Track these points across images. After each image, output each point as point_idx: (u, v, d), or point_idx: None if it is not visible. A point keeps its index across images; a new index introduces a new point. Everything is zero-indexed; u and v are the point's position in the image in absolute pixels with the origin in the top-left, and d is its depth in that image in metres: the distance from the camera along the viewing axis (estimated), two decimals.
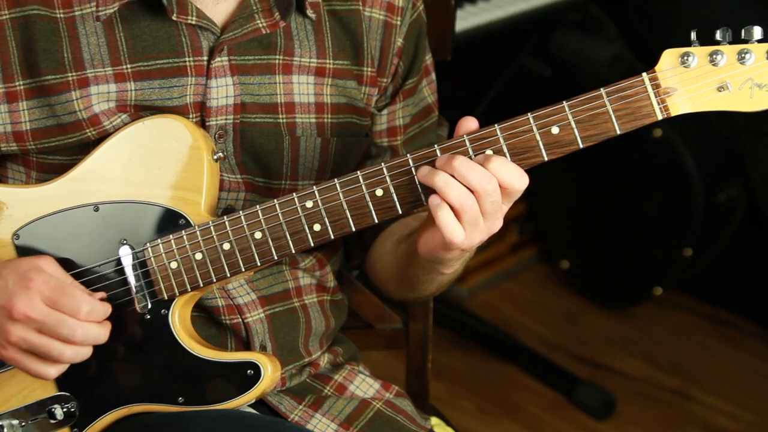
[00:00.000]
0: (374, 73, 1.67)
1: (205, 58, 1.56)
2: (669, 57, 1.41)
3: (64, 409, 1.56)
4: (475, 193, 1.41)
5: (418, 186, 1.47)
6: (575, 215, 3.61)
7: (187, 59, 1.56)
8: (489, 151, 1.44)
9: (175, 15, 1.54)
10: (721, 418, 3.14)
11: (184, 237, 1.52)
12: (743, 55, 1.38)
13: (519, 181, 1.42)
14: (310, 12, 1.61)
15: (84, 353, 1.49)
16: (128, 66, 1.55)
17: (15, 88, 1.55)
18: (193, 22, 1.55)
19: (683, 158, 3.27)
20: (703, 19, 3.23)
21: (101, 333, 1.49)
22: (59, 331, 1.46)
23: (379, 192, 1.47)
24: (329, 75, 1.63)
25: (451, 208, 1.42)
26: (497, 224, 1.45)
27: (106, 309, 1.50)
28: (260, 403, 1.65)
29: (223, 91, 1.57)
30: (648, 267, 3.50)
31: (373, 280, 1.79)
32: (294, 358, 1.68)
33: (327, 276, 1.75)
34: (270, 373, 1.53)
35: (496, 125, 1.44)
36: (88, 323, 1.47)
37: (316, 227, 1.49)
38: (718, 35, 1.40)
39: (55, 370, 1.50)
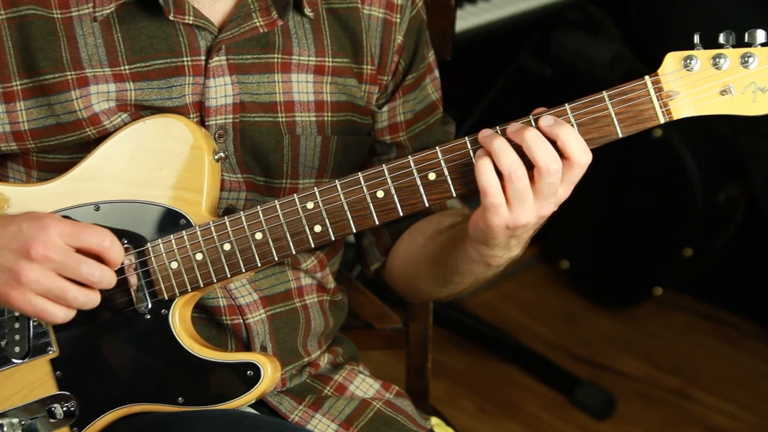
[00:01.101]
0: (374, 71, 1.67)
1: (203, 57, 1.56)
2: (672, 60, 1.41)
3: (64, 408, 1.56)
4: (537, 170, 1.39)
5: (420, 187, 1.46)
6: (575, 215, 3.60)
7: (184, 59, 1.56)
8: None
9: (172, 15, 1.54)
10: (721, 418, 3.14)
11: (185, 237, 1.52)
12: (746, 59, 1.38)
13: (583, 154, 1.40)
14: (307, 10, 1.61)
15: (95, 300, 1.49)
16: (126, 67, 1.55)
17: (12, 88, 1.55)
18: (191, 22, 1.55)
19: (683, 158, 3.27)
20: (704, 20, 3.23)
21: (112, 277, 1.49)
22: (80, 269, 1.46)
23: (380, 193, 1.47)
24: (328, 73, 1.63)
25: (501, 176, 1.40)
26: (548, 209, 1.43)
27: (122, 253, 1.51)
28: (260, 404, 1.65)
29: (221, 90, 1.57)
30: (648, 267, 3.50)
31: (395, 281, 1.76)
32: (293, 359, 1.68)
33: (327, 277, 1.75)
34: (270, 373, 1.53)
35: (498, 127, 1.44)
36: (104, 267, 1.48)
37: (317, 228, 1.49)
38: (721, 38, 1.40)
39: (63, 313, 1.49)
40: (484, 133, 1.43)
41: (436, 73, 1.76)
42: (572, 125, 1.42)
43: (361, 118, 1.67)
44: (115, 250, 1.49)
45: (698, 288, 3.57)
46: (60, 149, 1.56)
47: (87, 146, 1.55)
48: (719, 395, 3.21)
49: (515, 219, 1.42)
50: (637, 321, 3.51)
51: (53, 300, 1.47)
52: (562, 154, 1.40)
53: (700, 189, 3.28)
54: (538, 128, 1.41)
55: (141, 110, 1.55)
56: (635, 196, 3.43)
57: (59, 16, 1.54)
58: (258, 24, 1.57)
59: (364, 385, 1.74)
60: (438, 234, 1.63)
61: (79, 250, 1.48)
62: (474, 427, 3.05)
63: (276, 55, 1.60)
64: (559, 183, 1.41)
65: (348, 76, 1.64)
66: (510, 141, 1.41)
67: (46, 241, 1.45)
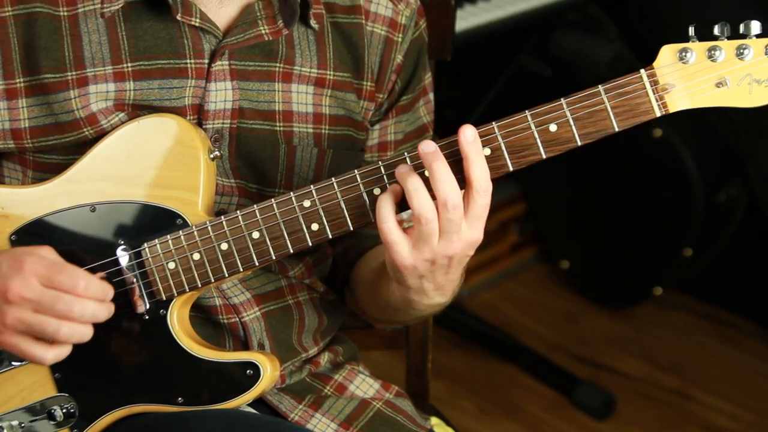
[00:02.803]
0: (373, 88, 1.66)
1: (206, 61, 1.56)
2: (667, 53, 1.41)
3: (64, 410, 1.56)
4: (438, 203, 1.40)
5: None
6: (575, 215, 3.61)
7: (188, 61, 1.56)
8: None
9: (179, 15, 1.53)
10: (721, 418, 3.14)
11: (182, 237, 1.51)
12: (742, 51, 1.38)
13: (484, 179, 1.40)
14: (313, 22, 1.61)
15: (81, 331, 1.46)
16: (129, 65, 1.55)
17: (15, 85, 1.55)
18: (197, 24, 1.55)
19: (683, 158, 3.27)
20: (704, 20, 3.23)
21: (99, 309, 1.47)
22: (56, 307, 1.44)
23: (376, 191, 1.47)
24: (329, 86, 1.63)
25: (414, 215, 1.41)
26: (451, 248, 1.43)
27: (105, 287, 1.48)
28: (260, 403, 1.65)
29: (222, 95, 1.57)
30: (648, 267, 3.50)
31: (354, 301, 1.79)
32: (291, 355, 1.67)
33: (316, 283, 1.74)
34: (269, 372, 1.53)
35: (493, 123, 1.44)
36: (85, 299, 1.45)
37: (314, 227, 1.49)
38: (716, 30, 1.40)
39: (52, 354, 1.47)
40: (400, 170, 1.44)
41: (431, 96, 1.76)
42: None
43: (357, 134, 1.67)
44: (92, 289, 1.46)
45: (698, 288, 3.58)
46: (57, 149, 1.56)
47: (84, 147, 1.55)
48: (719, 395, 3.21)
49: (418, 256, 1.43)
50: (637, 321, 3.51)
51: (38, 338, 1.46)
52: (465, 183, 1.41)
53: (700, 189, 3.28)
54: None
55: (139, 110, 1.55)
56: (635, 196, 3.43)
57: (65, 13, 1.54)
58: (263, 32, 1.57)
59: (364, 385, 1.74)
60: (383, 265, 1.63)
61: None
62: (474, 427, 3.05)
63: (278, 64, 1.60)
64: (459, 220, 1.41)
65: (348, 90, 1.64)
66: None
67: (21, 283, 1.44)
